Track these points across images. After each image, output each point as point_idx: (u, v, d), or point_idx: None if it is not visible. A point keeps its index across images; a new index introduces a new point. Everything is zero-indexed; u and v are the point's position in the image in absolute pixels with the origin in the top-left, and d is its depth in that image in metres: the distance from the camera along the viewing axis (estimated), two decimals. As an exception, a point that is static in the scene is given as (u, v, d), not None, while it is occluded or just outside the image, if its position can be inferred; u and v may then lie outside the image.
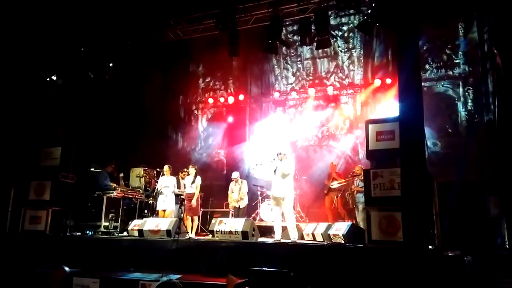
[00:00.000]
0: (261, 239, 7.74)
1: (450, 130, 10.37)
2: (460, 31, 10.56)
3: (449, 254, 5.56)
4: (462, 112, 10.40)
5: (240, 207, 9.64)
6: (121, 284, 5.94)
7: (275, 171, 7.37)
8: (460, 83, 10.58)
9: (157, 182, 9.32)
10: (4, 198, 8.54)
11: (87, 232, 8.54)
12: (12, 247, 7.69)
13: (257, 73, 12.90)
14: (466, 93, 10.48)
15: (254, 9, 9.27)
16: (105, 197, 8.73)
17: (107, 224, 8.69)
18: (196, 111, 13.58)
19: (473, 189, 7.97)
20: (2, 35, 8.67)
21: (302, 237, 8.13)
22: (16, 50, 8.94)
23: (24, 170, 8.78)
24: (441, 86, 10.72)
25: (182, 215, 7.95)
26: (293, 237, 7.30)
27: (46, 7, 8.98)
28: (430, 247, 5.53)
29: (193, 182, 8.86)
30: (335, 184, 9.51)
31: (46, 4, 8.96)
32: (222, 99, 12.90)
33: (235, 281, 4.60)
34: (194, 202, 8.71)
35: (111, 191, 8.91)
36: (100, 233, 8.48)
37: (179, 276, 5.83)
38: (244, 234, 7.08)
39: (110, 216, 8.75)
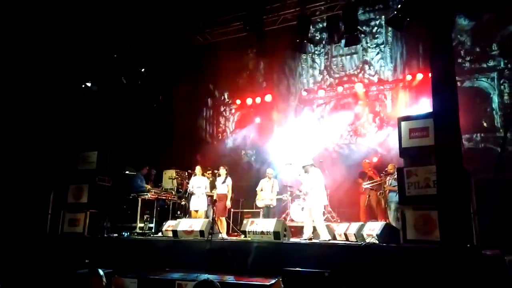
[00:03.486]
0: (293, 239, 7.74)
1: (485, 125, 10.05)
2: (494, 22, 10.20)
3: (488, 254, 5.39)
4: (497, 106, 10.05)
5: (271, 206, 9.67)
6: (158, 284, 6.06)
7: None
8: (495, 76, 10.23)
9: (189, 183, 9.48)
10: (45, 202, 8.85)
11: (123, 233, 8.75)
12: (52, 249, 7.97)
13: (284, 73, 12.85)
14: (502, 86, 10.12)
15: (281, 9, 9.29)
16: (140, 199, 8.93)
17: (142, 225, 8.89)
18: (224, 113, 13.72)
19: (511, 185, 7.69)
20: (40, 46, 9.04)
21: (334, 237, 8.05)
22: (53, 59, 9.29)
23: (63, 174, 9.08)
24: (475, 79, 10.39)
25: (214, 215, 8.07)
26: (324, 237, 7.34)
27: (79, 16, 9.29)
28: (468, 246, 5.37)
29: (224, 182, 8.99)
30: (366, 184, 9.38)
31: (78, 13, 9.27)
32: (249, 100, 12.95)
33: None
34: (228, 203, 8.91)
35: (145, 193, 9.12)
36: (135, 234, 8.68)
37: (214, 276, 5.91)
38: (276, 234, 7.09)
39: (145, 217, 8.95)
